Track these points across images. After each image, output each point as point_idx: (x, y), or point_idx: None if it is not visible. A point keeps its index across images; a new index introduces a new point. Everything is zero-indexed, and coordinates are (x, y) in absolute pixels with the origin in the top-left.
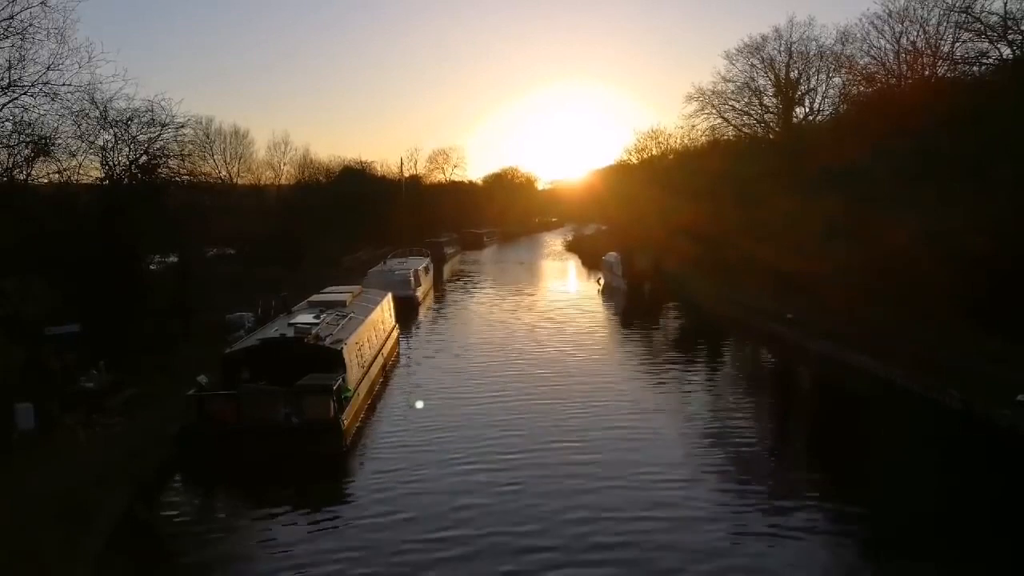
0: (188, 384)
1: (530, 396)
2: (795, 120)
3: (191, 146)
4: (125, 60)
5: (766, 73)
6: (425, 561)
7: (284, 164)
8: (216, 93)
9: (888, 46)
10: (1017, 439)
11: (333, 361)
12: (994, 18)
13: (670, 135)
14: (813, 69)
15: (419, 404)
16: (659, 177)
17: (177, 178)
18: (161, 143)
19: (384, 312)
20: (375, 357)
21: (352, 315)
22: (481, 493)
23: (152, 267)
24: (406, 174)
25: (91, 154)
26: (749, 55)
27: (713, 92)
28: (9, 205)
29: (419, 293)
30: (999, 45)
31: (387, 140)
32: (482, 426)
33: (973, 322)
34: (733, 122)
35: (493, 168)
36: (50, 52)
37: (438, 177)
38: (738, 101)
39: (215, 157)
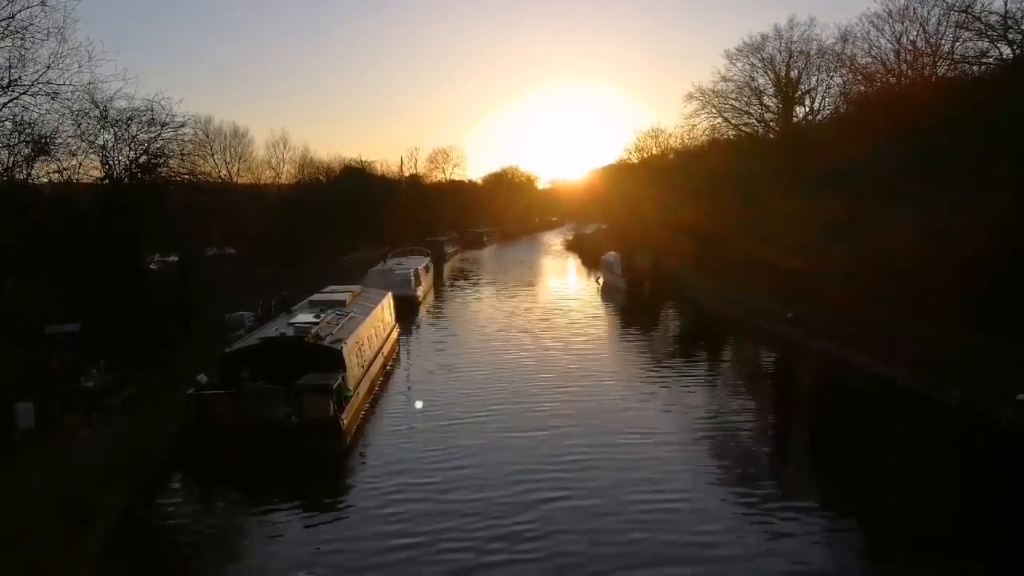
0: (188, 383)
1: (530, 395)
2: (795, 119)
3: (191, 145)
4: (125, 59)
5: (766, 72)
6: (425, 559)
7: (284, 163)
8: (215, 92)
9: (888, 45)
10: (1017, 438)
11: (333, 360)
12: (994, 17)
13: (670, 134)
14: (813, 68)
15: (419, 404)
16: (659, 176)
17: (177, 177)
18: (161, 142)
19: (384, 311)
20: (375, 356)
21: (352, 314)
22: (482, 492)
23: (152, 266)
24: (406, 173)
25: (91, 153)
26: (749, 54)
27: (713, 91)
28: (9, 204)
29: (419, 292)
30: (999, 44)
31: (387, 139)
32: (482, 424)
33: (973, 321)
34: (733, 121)
35: (493, 167)
36: (50, 51)
37: (438, 176)
38: (738, 100)
39: (215, 156)
